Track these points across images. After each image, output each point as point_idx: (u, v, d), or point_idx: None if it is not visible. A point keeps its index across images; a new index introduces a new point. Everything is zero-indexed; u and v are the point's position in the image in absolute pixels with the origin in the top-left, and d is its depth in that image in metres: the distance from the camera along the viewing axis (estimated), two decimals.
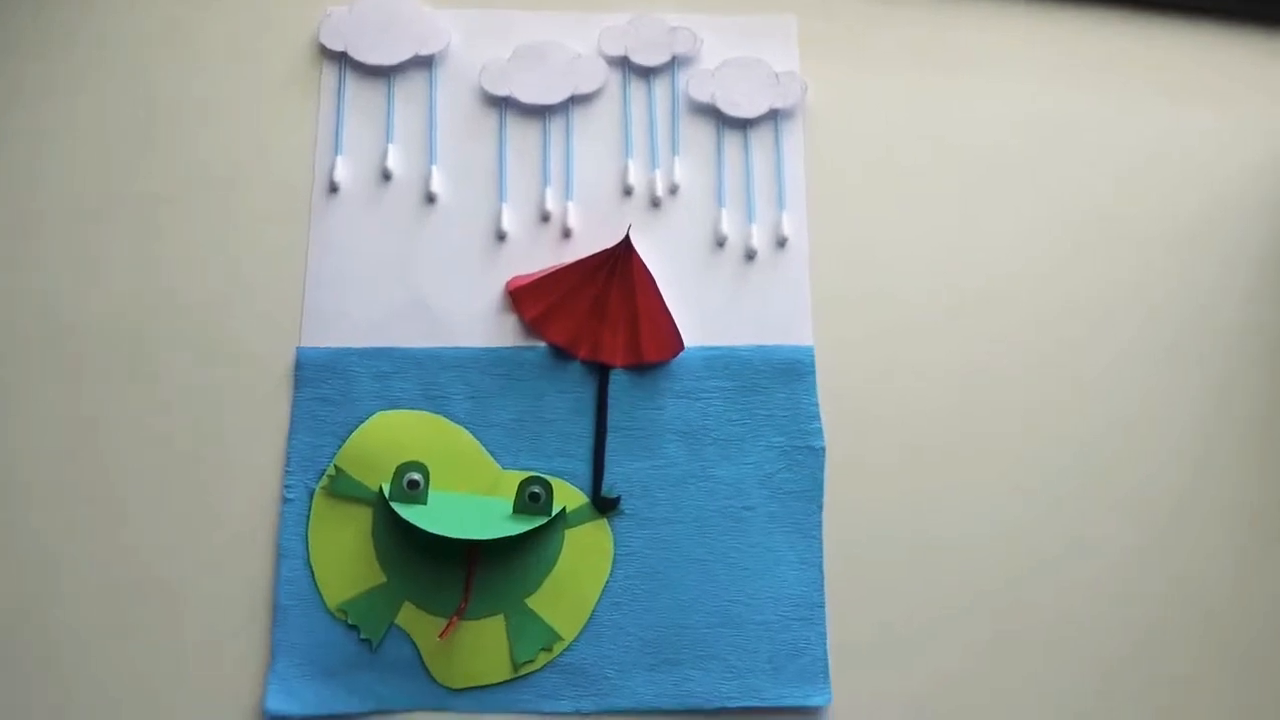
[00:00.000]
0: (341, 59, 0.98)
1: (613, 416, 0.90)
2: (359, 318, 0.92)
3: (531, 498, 0.87)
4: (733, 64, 0.98)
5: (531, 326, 0.92)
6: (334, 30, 0.98)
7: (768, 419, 0.91)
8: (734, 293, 0.94)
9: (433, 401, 0.90)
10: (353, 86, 0.97)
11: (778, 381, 0.92)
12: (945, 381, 0.93)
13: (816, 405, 0.91)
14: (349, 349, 0.91)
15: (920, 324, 0.94)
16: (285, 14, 0.99)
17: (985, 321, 0.94)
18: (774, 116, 0.98)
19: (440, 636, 0.84)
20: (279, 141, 0.96)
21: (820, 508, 0.90)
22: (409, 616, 0.85)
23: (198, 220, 0.94)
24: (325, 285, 0.92)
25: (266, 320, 0.92)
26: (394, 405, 0.90)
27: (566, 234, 0.94)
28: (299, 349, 0.91)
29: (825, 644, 0.87)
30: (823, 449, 0.91)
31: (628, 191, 0.96)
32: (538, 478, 0.87)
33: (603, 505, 0.88)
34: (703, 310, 0.93)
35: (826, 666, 0.86)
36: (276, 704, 0.83)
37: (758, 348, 0.92)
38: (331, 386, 0.90)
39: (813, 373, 0.92)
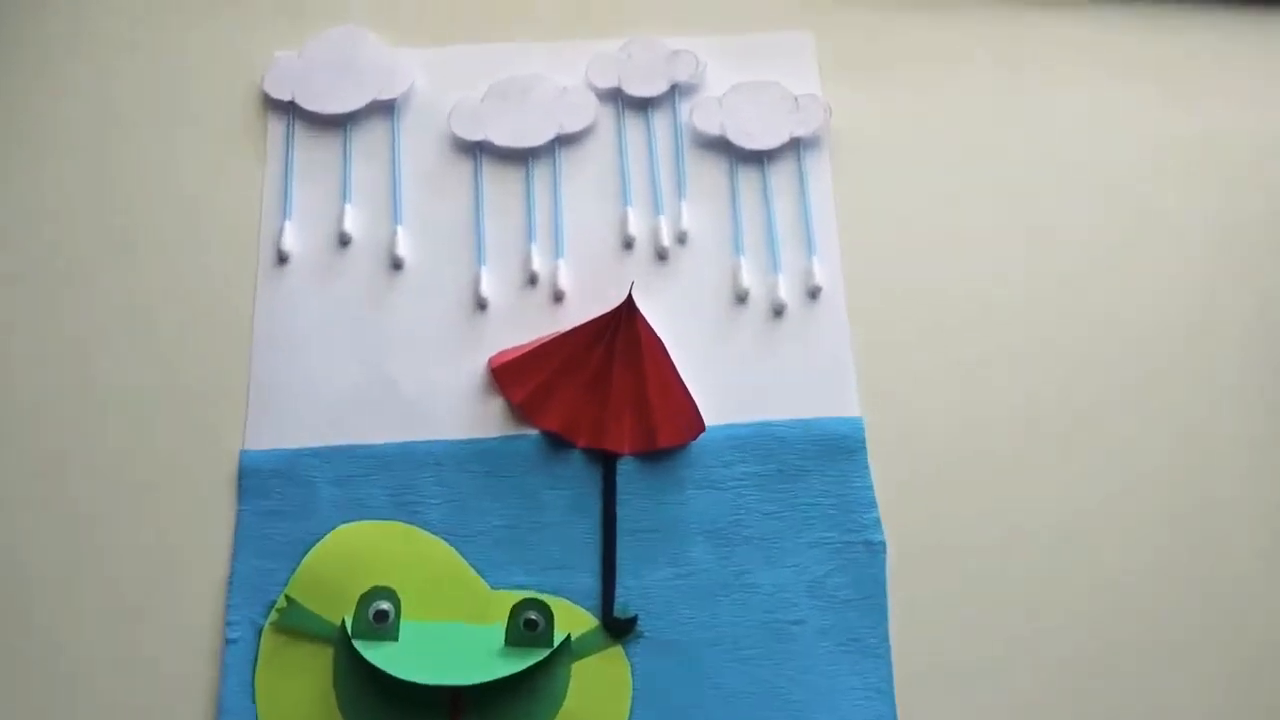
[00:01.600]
0: (289, 109, 0.84)
1: (623, 516, 0.74)
2: (313, 411, 0.76)
3: (528, 625, 0.70)
4: (743, 89, 0.84)
5: (520, 411, 0.76)
6: (280, 77, 0.84)
7: (813, 510, 0.74)
8: (761, 357, 0.78)
9: (404, 509, 0.74)
10: (303, 140, 0.83)
11: (822, 463, 0.75)
12: (1020, 447, 0.76)
13: (871, 489, 0.75)
14: (302, 450, 0.76)
15: (985, 379, 0.78)
16: (225, 62, 0.86)
17: (1056, 367, 0.78)
18: (795, 146, 0.83)
19: None
20: (217, 207, 0.82)
21: (885, 618, 0.72)
22: None
23: (117, 300, 0.79)
24: (273, 373, 0.77)
25: (202, 419, 0.76)
26: (357, 516, 0.74)
27: (558, 298, 0.79)
28: (242, 453, 0.75)
29: None
30: (883, 544, 0.74)
31: (628, 244, 0.81)
32: (534, 600, 0.71)
33: (616, 628, 0.72)
34: (725, 380, 0.77)
35: None
36: None
37: (795, 422, 0.76)
38: (281, 497, 0.74)
39: (863, 449, 0.76)
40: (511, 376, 0.77)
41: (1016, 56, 0.87)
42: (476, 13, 0.87)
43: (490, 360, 0.78)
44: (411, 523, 0.74)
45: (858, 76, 0.85)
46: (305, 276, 0.80)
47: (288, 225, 0.81)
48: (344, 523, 0.74)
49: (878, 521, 0.74)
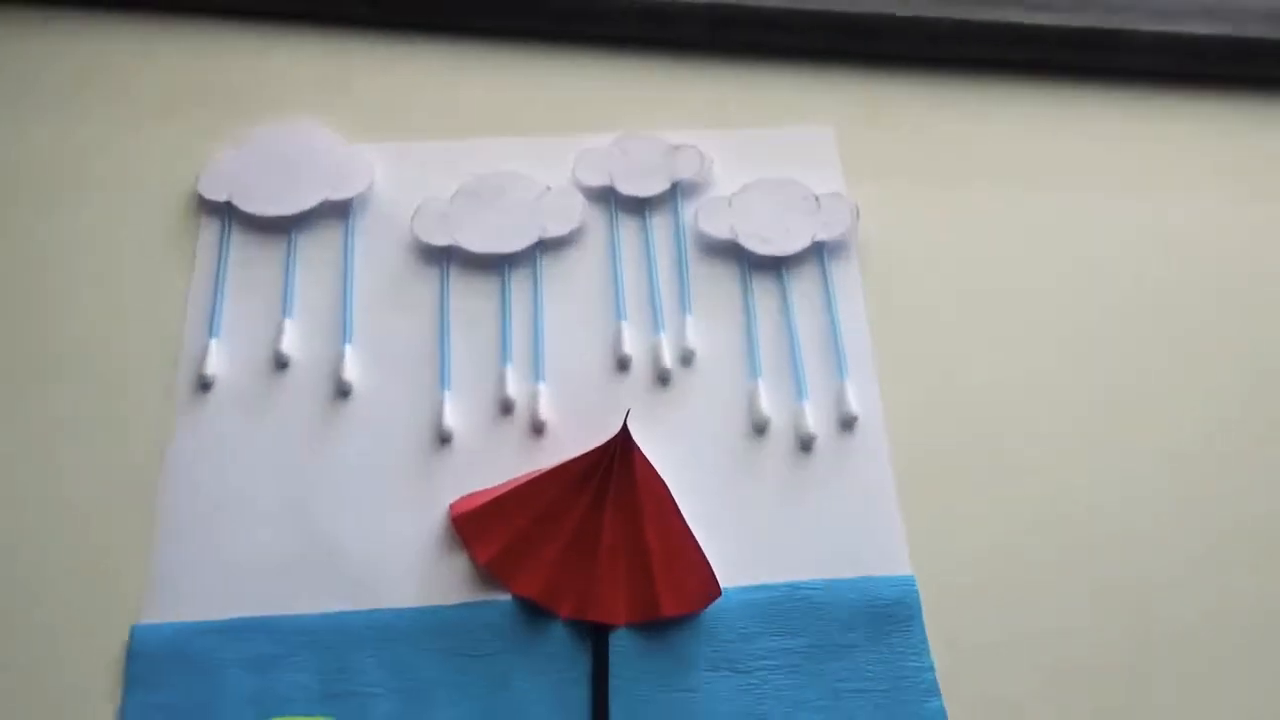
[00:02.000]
0: (225, 212, 0.72)
1: (618, 707, 0.58)
2: (231, 573, 0.61)
3: None
4: (756, 187, 0.73)
5: (489, 572, 0.61)
6: (217, 176, 0.73)
7: (860, 699, 0.59)
8: (788, 502, 0.63)
9: (340, 701, 0.58)
10: (239, 247, 0.71)
11: (868, 635, 0.60)
12: (1106, 604, 0.61)
13: (932, 670, 0.59)
14: (209, 624, 0.60)
15: (1054, 520, 0.63)
16: (156, 159, 0.74)
17: (1140, 500, 0.64)
18: (818, 252, 0.71)
19: None
20: (132, 325, 0.68)
21: None
22: None
23: (5, 431, 0.65)
24: (185, 524, 0.62)
25: (92, 582, 0.61)
26: (277, 711, 0.58)
27: (537, 430, 0.65)
28: (134, 628, 0.59)
29: None
30: None
31: (623, 365, 0.67)
32: None
33: None
34: (744, 532, 0.63)
35: None
36: None
37: (832, 584, 0.61)
38: (178, 688, 0.58)
39: (918, 617, 0.60)
40: (478, 529, 0.62)
41: (1060, 153, 0.77)
42: (444, 105, 0.77)
43: (452, 508, 0.63)
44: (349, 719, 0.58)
45: (884, 173, 0.75)
46: (231, 406, 0.66)
47: (213, 345, 0.67)
48: None
49: (942, 712, 0.58)
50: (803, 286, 0.70)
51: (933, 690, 0.59)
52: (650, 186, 0.72)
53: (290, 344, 0.67)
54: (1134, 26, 0.76)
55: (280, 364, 0.67)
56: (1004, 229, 0.73)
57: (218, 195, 0.72)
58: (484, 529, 0.62)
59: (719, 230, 0.71)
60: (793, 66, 0.79)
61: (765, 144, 0.75)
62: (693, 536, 0.61)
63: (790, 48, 0.79)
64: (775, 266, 0.70)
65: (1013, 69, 0.79)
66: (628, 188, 0.72)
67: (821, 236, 0.71)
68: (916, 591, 0.61)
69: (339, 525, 0.62)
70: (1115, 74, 0.79)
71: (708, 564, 0.60)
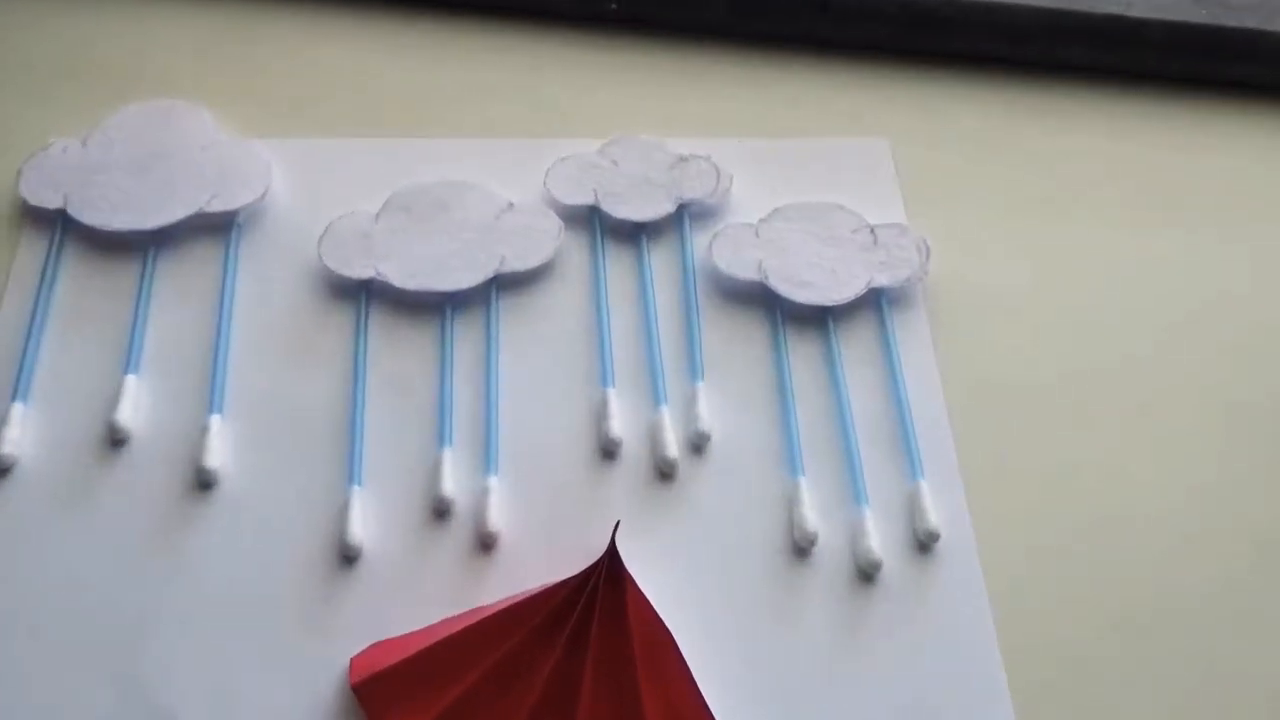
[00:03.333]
0: (55, 222, 0.52)
1: None
2: None
3: None
4: (791, 214, 0.55)
5: None
6: (49, 174, 0.53)
7: None
8: (842, 652, 0.45)
9: None
10: (70, 273, 0.51)
11: None
12: None
13: None
14: None
15: (1208, 678, 0.45)
16: None
17: None
18: (876, 301, 0.53)
19: None
20: None
21: None
22: None
23: None
24: None
25: None
26: None
27: (486, 545, 0.46)
28: None
29: None
30: None
31: (608, 453, 0.48)
32: None
33: None
34: (779, 696, 0.43)
35: None
36: None
37: None
38: None
39: None
40: (391, 698, 0.42)
41: (1179, 175, 0.61)
42: (372, 91, 0.59)
43: (353, 665, 0.43)
44: None
45: (953, 199, 0.58)
46: (36, 500, 0.46)
47: (17, 411, 0.47)
48: None
49: None
50: (857, 347, 0.52)
51: None
52: (649, 208, 0.55)
53: (132, 412, 0.47)
54: (1270, 27, 0.60)
55: (116, 440, 0.47)
56: (1113, 269, 0.57)
57: (47, 200, 0.52)
58: (400, 699, 0.42)
59: (742, 268, 0.53)
60: (840, 62, 0.62)
61: (801, 157, 0.58)
62: (705, 706, 0.41)
63: (836, 39, 0.63)
64: (819, 319, 0.52)
65: (1115, 75, 0.62)
66: (618, 209, 0.54)
67: (881, 281, 0.52)
68: None
69: (185, 688, 0.42)
70: (1240, 84, 0.63)
71: None
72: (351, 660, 0.43)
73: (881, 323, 0.52)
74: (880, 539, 0.47)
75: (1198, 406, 0.52)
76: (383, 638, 0.44)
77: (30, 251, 0.52)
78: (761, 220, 0.54)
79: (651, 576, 0.42)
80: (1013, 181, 0.59)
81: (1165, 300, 0.56)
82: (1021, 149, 0.60)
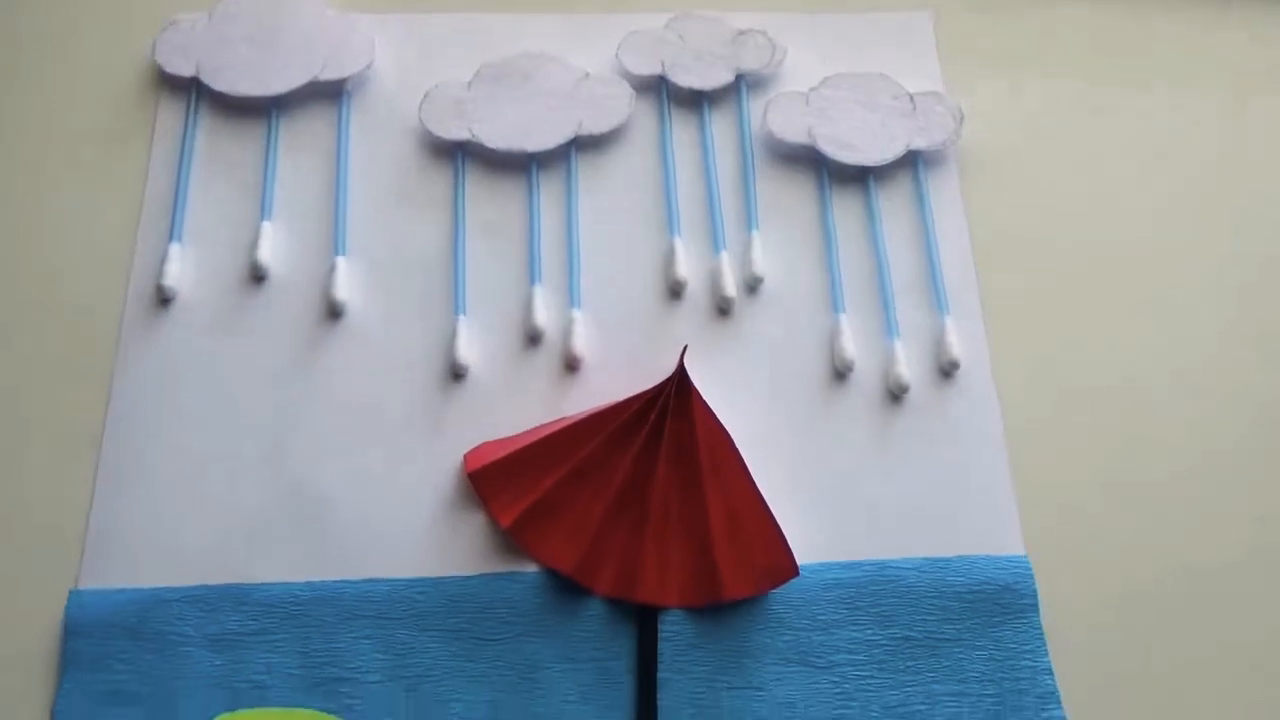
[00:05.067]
0: (190, 90, 0.59)
1: (668, 707, 0.47)
2: (190, 532, 0.50)
3: None
4: (838, 83, 0.60)
5: (512, 538, 0.50)
6: (179, 46, 0.59)
7: (959, 703, 0.48)
8: (874, 463, 0.52)
9: (325, 689, 0.47)
10: (207, 133, 0.58)
11: (972, 628, 0.49)
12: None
13: (1050, 673, 0.48)
14: (168, 591, 0.48)
15: (1197, 488, 0.53)
16: (105, 25, 0.61)
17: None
18: (913, 162, 0.59)
19: None
20: (72, 226, 0.56)
21: None
22: None
23: None
24: (132, 471, 0.51)
25: (19, 541, 0.49)
26: (246, 700, 0.47)
27: (571, 366, 0.54)
28: (72, 594, 0.48)
29: None
30: None
31: (675, 292, 0.56)
32: None
33: None
34: (821, 497, 0.51)
35: None
36: None
37: (929, 563, 0.50)
38: (129, 666, 0.47)
39: (1034, 608, 0.50)
40: (499, 486, 0.50)
41: (1216, 44, 0.64)
42: None
43: (467, 459, 0.51)
44: (333, 713, 0.47)
45: (991, 68, 0.63)
46: (194, 327, 0.54)
47: (174, 251, 0.55)
48: (226, 712, 0.46)
49: (1060, 714, 0.48)
50: (894, 203, 0.58)
51: (1051, 698, 0.48)
52: (710, 77, 0.60)
53: (270, 252, 0.55)
54: None
55: (257, 276, 0.55)
56: (1143, 137, 0.61)
57: (181, 69, 0.59)
58: (506, 486, 0.50)
59: (793, 133, 0.59)
60: None
61: (849, 30, 0.63)
62: (762, 499, 0.50)
63: None
64: (860, 178, 0.58)
65: None
66: (683, 78, 0.60)
67: (918, 144, 0.58)
68: (1032, 575, 0.50)
69: (325, 477, 0.51)
70: None
71: (781, 534, 0.49)
72: (465, 455, 0.52)
73: (917, 181, 0.59)
74: (908, 366, 0.54)
75: (1208, 266, 0.58)
76: (487, 440, 0.52)
77: (170, 114, 0.59)
78: (811, 89, 0.60)
79: (712, 395, 0.50)
80: (1052, 51, 0.63)
81: (1201, 165, 0.60)
82: (1061, 17, 0.64)
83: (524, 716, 0.47)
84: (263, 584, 0.49)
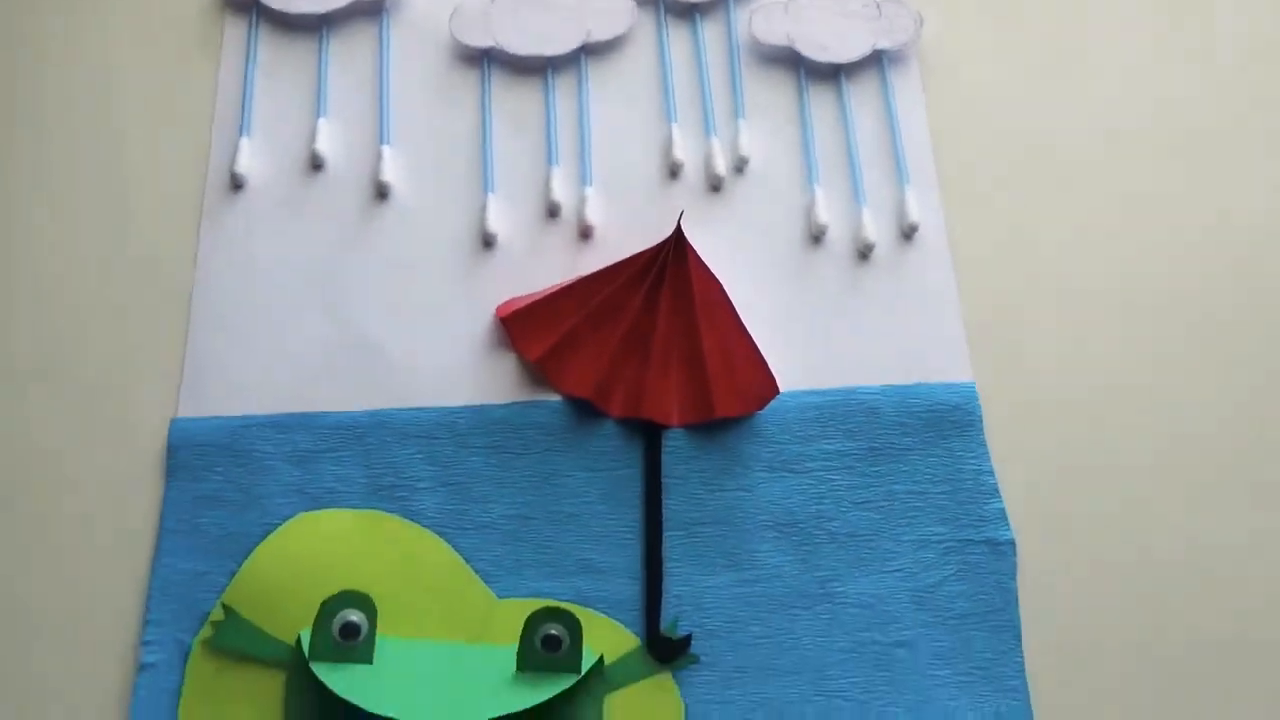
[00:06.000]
0: (252, 7, 0.68)
1: (671, 506, 0.57)
2: (269, 370, 0.59)
3: (547, 643, 0.52)
4: None
5: (538, 370, 0.59)
6: None
7: (918, 499, 0.57)
8: (846, 308, 0.62)
9: (385, 495, 0.57)
10: (268, 43, 0.68)
11: (927, 439, 0.59)
12: (1172, 414, 0.59)
13: (992, 474, 0.58)
14: (251, 418, 0.58)
15: (1122, 330, 0.62)
16: None
17: (1201, 313, 0.62)
18: (878, 61, 0.68)
19: None
20: (156, 122, 0.66)
21: (1019, 638, 0.55)
22: None
23: (26, 233, 0.62)
24: (219, 322, 0.60)
25: (125, 378, 0.59)
26: (322, 503, 0.56)
27: (585, 234, 0.63)
28: (173, 421, 0.58)
29: None
30: (1011, 543, 0.56)
31: (673, 171, 0.65)
32: (556, 610, 0.53)
33: (664, 650, 0.54)
34: (800, 336, 0.61)
35: None
36: None
37: (890, 389, 0.59)
38: (222, 477, 0.57)
39: (978, 423, 0.59)
40: (527, 327, 0.60)
41: None
42: None
43: (498, 309, 0.61)
44: (394, 512, 0.56)
45: None
46: (265, 206, 0.63)
47: (245, 143, 0.64)
48: (304, 511, 0.56)
49: (1003, 514, 0.57)
50: (862, 95, 0.67)
51: (993, 493, 0.57)
52: None
53: (326, 144, 0.64)
54: None
55: (315, 164, 0.64)
56: (1080, 37, 0.69)
57: None
58: (533, 327, 0.60)
59: (774, 37, 0.68)
60: None
61: None
62: (749, 335, 0.59)
63: None
64: (833, 75, 0.67)
65: None
66: None
67: (883, 44, 0.67)
68: (977, 397, 0.59)
69: (378, 325, 0.60)
70: None
71: (764, 363, 0.59)
72: (497, 307, 0.61)
73: (882, 76, 0.67)
74: (874, 229, 0.63)
75: (1157, 163, 0.65)
76: (513, 296, 0.62)
77: (235, 31, 0.68)
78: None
79: (706, 256, 0.59)
80: None
81: (1141, 64, 0.68)
82: None
83: (551, 514, 0.57)
84: (329, 412, 0.58)
